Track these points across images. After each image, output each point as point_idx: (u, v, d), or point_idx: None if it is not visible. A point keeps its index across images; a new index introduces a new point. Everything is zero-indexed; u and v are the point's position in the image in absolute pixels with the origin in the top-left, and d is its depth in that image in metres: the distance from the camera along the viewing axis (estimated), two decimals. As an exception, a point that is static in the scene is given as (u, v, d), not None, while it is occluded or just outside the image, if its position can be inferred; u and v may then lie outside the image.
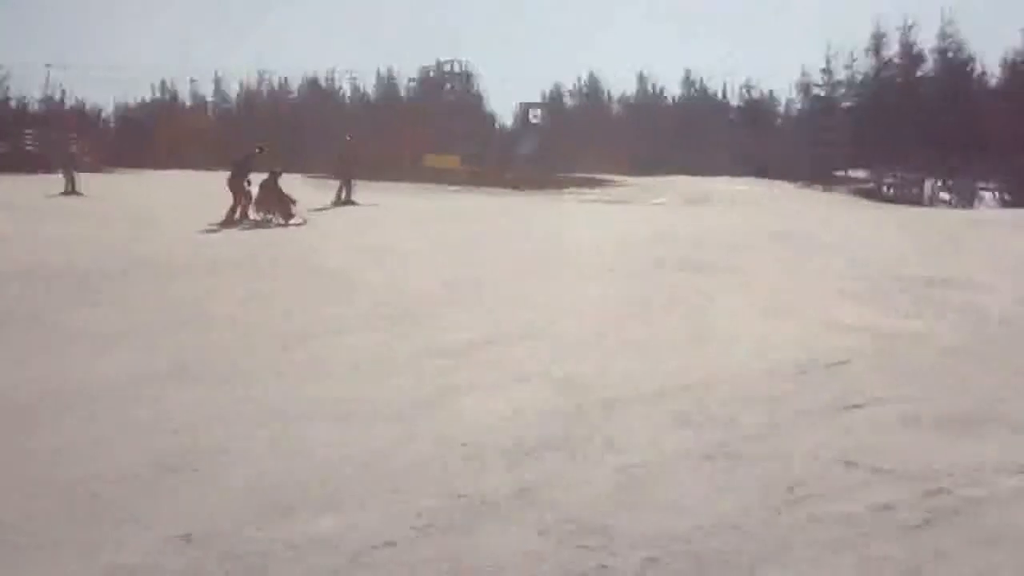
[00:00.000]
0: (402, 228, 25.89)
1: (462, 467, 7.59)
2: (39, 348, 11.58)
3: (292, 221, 26.14)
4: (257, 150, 28.29)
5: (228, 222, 25.93)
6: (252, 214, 26.47)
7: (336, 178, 34.10)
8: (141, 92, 75.17)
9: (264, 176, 27.00)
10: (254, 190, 26.87)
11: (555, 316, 13.74)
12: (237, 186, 26.79)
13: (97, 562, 5.93)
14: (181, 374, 10.28)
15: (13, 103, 55.36)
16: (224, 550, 6.09)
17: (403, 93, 67.58)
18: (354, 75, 70.65)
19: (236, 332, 12.51)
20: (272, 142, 33.61)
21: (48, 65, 58.52)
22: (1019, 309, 13.17)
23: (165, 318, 13.32)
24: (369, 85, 70.37)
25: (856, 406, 8.85)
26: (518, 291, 15.81)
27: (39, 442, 8.07)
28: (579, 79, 70.92)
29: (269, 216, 26.40)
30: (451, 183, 42.74)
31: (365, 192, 33.00)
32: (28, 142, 47.48)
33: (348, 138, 35.84)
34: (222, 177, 27.47)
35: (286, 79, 71.13)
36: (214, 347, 11.62)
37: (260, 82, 71.12)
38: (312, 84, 70.26)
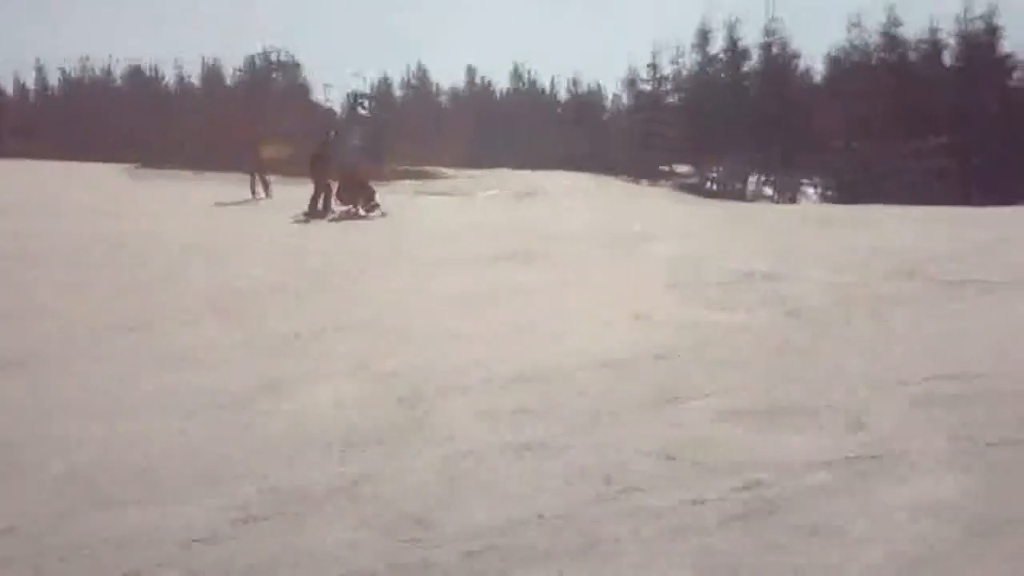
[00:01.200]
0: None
1: (284, 460, 7.55)
2: None
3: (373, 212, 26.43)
4: (332, 133, 29.21)
5: (314, 213, 26.17)
6: (335, 204, 26.63)
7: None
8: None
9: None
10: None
11: (383, 309, 13.70)
12: (320, 175, 26.93)
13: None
14: None
15: None
16: (48, 543, 6.06)
17: (229, 82, 66.61)
18: (179, 63, 69.44)
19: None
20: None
21: None
22: (830, 300, 13.44)
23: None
24: (194, 74, 69.26)
25: (676, 399, 8.93)
26: (348, 284, 15.73)
27: None
28: (408, 70, 70.85)
29: (352, 207, 26.60)
30: (280, 175, 42.23)
31: (188, 184, 32.58)
32: None
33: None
34: (64, 168, 26.13)
35: (109, 67, 69.72)
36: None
37: (83, 70, 69.65)
38: (136, 72, 68.91)
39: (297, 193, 28.67)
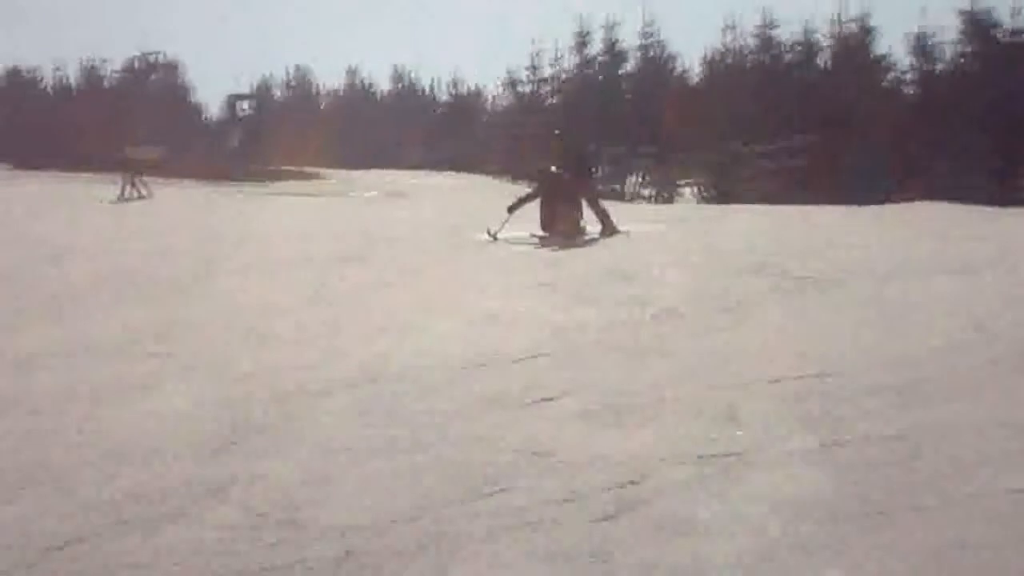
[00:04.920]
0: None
1: (144, 463, 7.62)
2: None
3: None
4: (556, 132, 24.12)
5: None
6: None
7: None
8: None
9: None
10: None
11: (237, 308, 13.89)
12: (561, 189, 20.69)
13: None
14: None
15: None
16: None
17: (107, 84, 65.64)
18: (57, 66, 68.24)
19: None
20: None
21: None
22: (689, 298, 13.66)
23: None
24: (73, 76, 68.17)
25: (541, 399, 9.07)
26: (196, 284, 15.94)
27: None
28: (287, 72, 70.37)
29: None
30: (157, 175, 41.97)
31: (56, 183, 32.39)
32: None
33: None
34: None
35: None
36: None
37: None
38: (13, 73, 67.70)
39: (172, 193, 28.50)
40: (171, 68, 65.62)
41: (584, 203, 20.66)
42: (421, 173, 49.56)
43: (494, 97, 62.11)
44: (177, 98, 64.37)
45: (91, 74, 66.13)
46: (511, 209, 20.35)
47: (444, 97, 64.96)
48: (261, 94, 68.24)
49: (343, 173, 49.93)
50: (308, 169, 51.07)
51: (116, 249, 20.10)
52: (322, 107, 69.44)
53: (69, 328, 12.89)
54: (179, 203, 32.41)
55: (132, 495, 6.96)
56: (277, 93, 70.26)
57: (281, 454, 7.79)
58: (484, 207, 26.26)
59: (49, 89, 66.62)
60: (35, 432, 8.49)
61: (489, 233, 20.03)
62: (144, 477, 7.33)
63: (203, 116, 67.81)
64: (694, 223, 23.29)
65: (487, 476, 7.12)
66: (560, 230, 20.07)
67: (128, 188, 33.59)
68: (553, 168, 21.02)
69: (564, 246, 19.19)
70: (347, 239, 20.92)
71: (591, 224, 20.61)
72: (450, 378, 9.93)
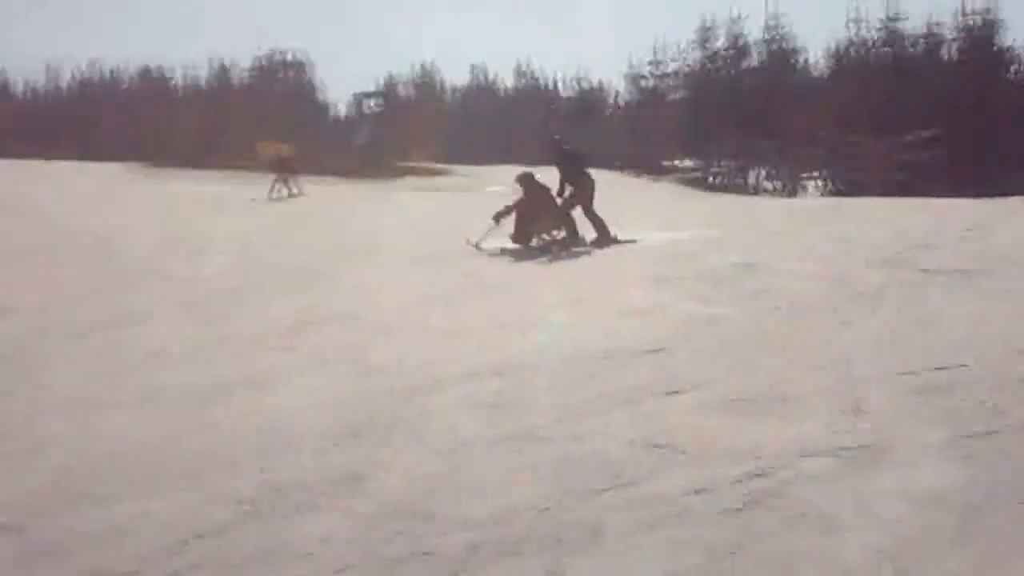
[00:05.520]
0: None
1: (279, 453, 7.74)
2: None
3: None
4: (556, 138, 22.22)
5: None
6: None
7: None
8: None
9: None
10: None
11: (369, 302, 14.10)
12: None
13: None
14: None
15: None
16: (40, 538, 6.17)
17: (236, 83, 66.75)
18: (187, 64, 69.71)
19: None
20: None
21: None
22: (817, 291, 13.46)
23: None
24: (202, 75, 69.43)
25: (669, 391, 8.91)
26: (335, 277, 16.19)
27: None
28: (413, 69, 70.93)
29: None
30: (287, 172, 42.62)
31: (193, 182, 32.96)
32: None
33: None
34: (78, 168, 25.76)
35: (118, 67, 70.12)
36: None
37: (92, 71, 70.07)
38: (144, 73, 69.18)
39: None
40: (299, 67, 66.53)
41: (582, 211, 19.01)
42: (547, 169, 49.70)
43: (617, 92, 62.15)
44: (304, 96, 65.21)
45: (221, 73, 67.32)
46: (497, 217, 18.77)
47: (567, 93, 65.14)
48: (387, 91, 68.86)
49: (468, 169, 50.15)
50: (434, 165, 51.46)
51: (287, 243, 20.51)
52: (447, 103, 69.88)
53: (226, 322, 13.25)
54: (316, 201, 32.78)
55: (268, 485, 7.06)
56: (403, 90, 70.85)
57: (412, 446, 7.84)
58: (627, 201, 26.15)
59: (180, 88, 67.93)
60: (171, 424, 8.69)
61: (470, 242, 18.58)
62: (279, 466, 7.45)
63: (330, 114, 68.69)
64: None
65: (616, 469, 7.06)
66: (543, 242, 18.65)
67: (279, 187, 34.32)
68: (557, 173, 19.51)
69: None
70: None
71: (589, 232, 18.87)
72: (584, 371, 9.87)
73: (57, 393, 9.76)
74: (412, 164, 50.76)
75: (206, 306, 14.46)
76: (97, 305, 14.38)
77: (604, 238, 18.69)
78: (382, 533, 6.17)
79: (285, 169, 35.07)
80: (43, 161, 45.96)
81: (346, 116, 68.30)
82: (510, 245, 18.64)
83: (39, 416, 8.94)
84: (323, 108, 68.04)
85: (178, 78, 69.06)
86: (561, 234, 18.71)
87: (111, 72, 69.95)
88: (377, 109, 65.82)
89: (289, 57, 65.90)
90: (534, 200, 18.85)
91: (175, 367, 10.88)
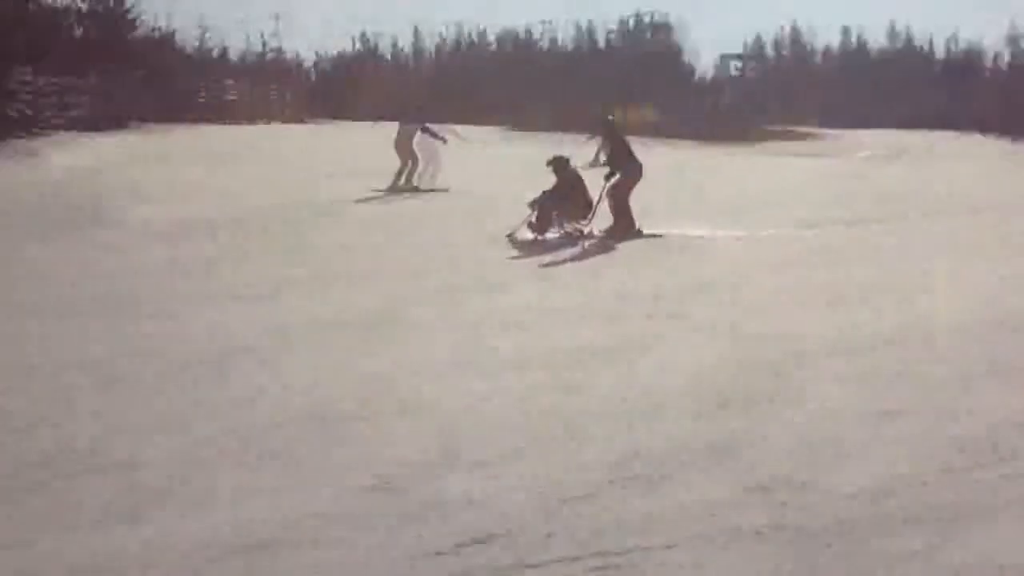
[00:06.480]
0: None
1: (656, 419, 7.60)
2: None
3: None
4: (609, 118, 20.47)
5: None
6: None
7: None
8: (342, 44, 76.46)
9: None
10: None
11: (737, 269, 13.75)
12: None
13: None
14: None
15: (215, 53, 55.99)
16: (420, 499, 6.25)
17: (601, 45, 67.27)
18: (552, 26, 70.65)
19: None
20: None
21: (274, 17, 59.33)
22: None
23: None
24: (567, 37, 70.23)
25: None
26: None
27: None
28: (781, 31, 69.86)
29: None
30: (648, 135, 42.53)
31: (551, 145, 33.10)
32: (227, 92, 47.90)
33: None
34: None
35: (484, 30, 71.71)
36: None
37: (459, 35, 71.95)
38: (510, 36, 70.52)
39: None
40: (665, 28, 66.47)
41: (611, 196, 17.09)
42: (917, 132, 48.02)
43: (996, 53, 59.64)
44: (670, 58, 65.06)
45: (586, 35, 68.01)
46: (533, 204, 17.08)
47: (941, 55, 63.04)
48: (754, 54, 68.12)
49: (836, 132, 49.13)
50: (801, 129, 50.60)
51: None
52: (815, 66, 68.65)
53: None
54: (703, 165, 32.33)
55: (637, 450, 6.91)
56: (770, 53, 69.93)
57: (781, 416, 7.58)
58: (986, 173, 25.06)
59: (546, 49, 68.97)
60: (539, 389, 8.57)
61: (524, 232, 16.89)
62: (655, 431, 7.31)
63: (694, 76, 68.37)
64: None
65: (993, 445, 6.73)
66: (563, 231, 16.95)
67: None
68: (603, 157, 18.40)
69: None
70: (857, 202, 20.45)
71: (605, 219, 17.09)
72: (952, 344, 9.47)
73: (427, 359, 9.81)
74: (779, 128, 49.97)
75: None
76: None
77: (621, 230, 16.68)
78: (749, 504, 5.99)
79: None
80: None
81: (712, 78, 67.86)
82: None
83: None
84: (688, 70, 67.78)
85: (544, 41, 70.17)
86: (587, 225, 16.92)
87: (473, 35, 71.69)
88: (743, 72, 65.09)
89: (655, 19, 65.92)
90: (564, 186, 17.18)
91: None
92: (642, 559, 5.32)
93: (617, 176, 16.84)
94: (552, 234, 16.69)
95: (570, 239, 16.55)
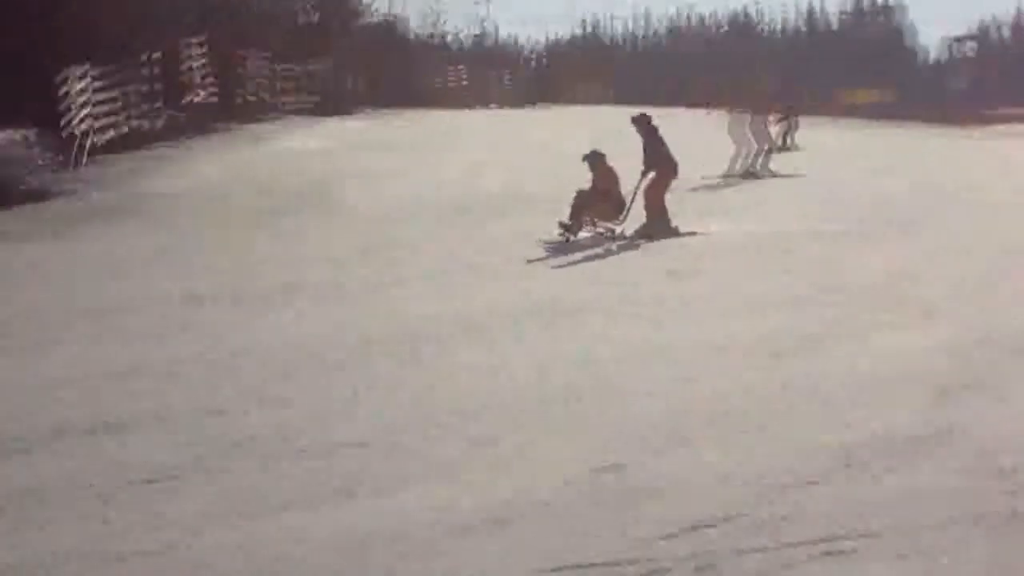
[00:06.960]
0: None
1: (877, 400, 7.69)
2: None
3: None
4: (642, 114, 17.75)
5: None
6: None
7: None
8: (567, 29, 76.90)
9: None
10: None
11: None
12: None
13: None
14: None
15: (449, 38, 56.61)
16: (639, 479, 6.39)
17: (823, 28, 66.32)
18: (782, 8, 69.91)
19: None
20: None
21: (477, 3, 60.09)
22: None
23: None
24: (792, 18, 69.30)
25: None
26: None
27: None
28: (1014, 11, 67.72)
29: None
30: (866, 117, 41.79)
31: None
32: (457, 78, 48.50)
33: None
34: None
35: (714, 13, 71.43)
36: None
37: (687, 18, 71.79)
38: (736, 19, 69.93)
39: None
40: (890, 11, 65.41)
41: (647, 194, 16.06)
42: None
43: None
44: (894, 41, 63.96)
45: (813, 18, 67.21)
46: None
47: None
48: (981, 36, 66.29)
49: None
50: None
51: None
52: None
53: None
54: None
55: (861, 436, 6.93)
56: (1001, 34, 67.94)
57: (1004, 403, 7.62)
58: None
59: (778, 33, 68.36)
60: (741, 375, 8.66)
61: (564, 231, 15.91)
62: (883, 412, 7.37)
63: (919, 59, 67.00)
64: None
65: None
66: (593, 230, 16.02)
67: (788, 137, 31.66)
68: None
69: None
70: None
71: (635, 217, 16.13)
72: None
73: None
74: (1008, 111, 48.44)
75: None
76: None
77: (653, 229, 15.78)
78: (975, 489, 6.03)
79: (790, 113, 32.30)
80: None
81: (936, 61, 66.23)
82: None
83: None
84: (912, 52, 66.34)
85: (776, 22, 69.43)
86: (620, 226, 15.98)
87: (708, 19, 71.30)
88: (970, 54, 63.32)
89: (881, 1, 64.90)
90: (603, 183, 16.07)
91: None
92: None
93: (651, 174, 15.96)
94: (584, 234, 15.82)
95: (600, 239, 15.72)
